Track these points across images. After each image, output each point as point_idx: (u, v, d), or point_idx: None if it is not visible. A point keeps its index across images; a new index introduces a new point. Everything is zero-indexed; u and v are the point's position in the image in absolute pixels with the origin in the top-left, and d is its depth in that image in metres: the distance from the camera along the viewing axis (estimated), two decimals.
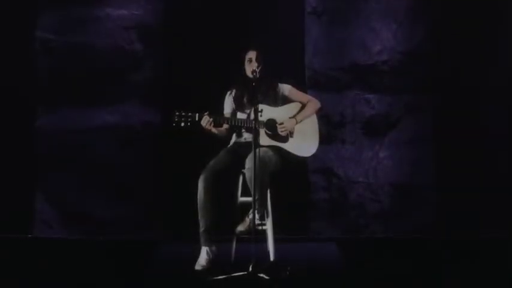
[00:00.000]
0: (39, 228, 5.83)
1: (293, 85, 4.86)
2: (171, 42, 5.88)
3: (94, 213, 5.79)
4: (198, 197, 4.57)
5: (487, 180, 5.79)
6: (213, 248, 4.57)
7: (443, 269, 4.95)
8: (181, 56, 5.84)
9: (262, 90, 4.68)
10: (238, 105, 4.78)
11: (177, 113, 4.54)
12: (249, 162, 4.46)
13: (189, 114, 4.54)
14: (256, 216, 4.37)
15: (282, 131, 4.66)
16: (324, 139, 5.36)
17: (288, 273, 4.38)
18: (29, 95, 5.86)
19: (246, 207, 4.55)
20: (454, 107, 5.87)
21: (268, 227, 4.56)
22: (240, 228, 4.56)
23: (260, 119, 4.56)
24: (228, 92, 4.87)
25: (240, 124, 4.67)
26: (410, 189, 5.87)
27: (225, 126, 4.76)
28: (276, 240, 4.60)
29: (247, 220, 4.49)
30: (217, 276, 4.33)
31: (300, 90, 4.92)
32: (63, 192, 5.82)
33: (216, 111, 4.73)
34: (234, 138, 4.82)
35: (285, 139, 4.71)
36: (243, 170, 4.59)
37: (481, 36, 5.86)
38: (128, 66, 5.88)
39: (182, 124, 4.53)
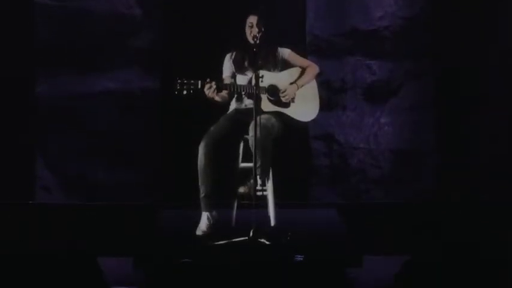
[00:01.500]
0: (40, 195, 5.84)
1: (293, 50, 4.83)
2: (170, 6, 5.83)
3: (94, 179, 5.79)
4: (199, 163, 4.56)
5: (488, 146, 5.79)
6: (214, 213, 4.58)
7: (443, 234, 4.98)
8: (181, 21, 5.79)
9: (263, 55, 4.65)
10: (238, 68, 4.75)
11: (179, 81, 4.48)
12: (251, 130, 4.44)
13: (192, 81, 4.48)
14: (258, 181, 4.38)
15: (284, 97, 4.64)
16: (325, 105, 5.35)
17: (288, 238, 4.40)
18: (29, 61, 5.83)
19: (247, 173, 4.55)
20: (455, 73, 5.84)
21: (269, 192, 4.57)
22: (241, 193, 4.57)
23: (261, 84, 4.54)
24: (228, 55, 4.83)
25: (241, 90, 4.64)
26: (411, 155, 5.87)
27: (227, 91, 4.73)
28: (276, 206, 4.61)
29: (249, 185, 4.49)
30: (218, 241, 4.35)
31: (301, 56, 4.90)
32: (63, 158, 5.82)
33: (217, 77, 4.70)
34: (234, 103, 4.79)
35: (286, 104, 4.70)
36: (246, 136, 4.58)
37: (483, 2, 5.81)
38: (127, 31, 5.84)
39: (184, 92, 4.48)
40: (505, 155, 5.77)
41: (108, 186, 5.80)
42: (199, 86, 4.48)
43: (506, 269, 4.35)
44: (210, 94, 4.48)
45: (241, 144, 4.68)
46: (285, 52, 4.80)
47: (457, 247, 4.68)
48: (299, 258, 4.24)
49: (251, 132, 4.44)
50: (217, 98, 4.58)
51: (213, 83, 4.48)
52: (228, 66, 4.80)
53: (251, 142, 4.44)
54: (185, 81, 4.47)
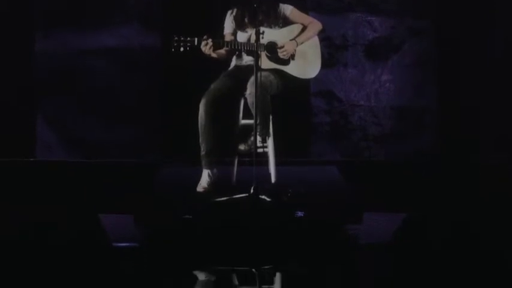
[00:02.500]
0: (40, 152, 5.85)
1: (294, 6, 4.78)
2: None
3: (94, 136, 5.80)
4: (199, 120, 4.56)
5: (489, 104, 5.77)
6: (214, 170, 4.59)
7: (442, 192, 4.99)
8: None
9: (264, 11, 4.61)
10: (239, 25, 4.71)
11: (175, 38, 4.46)
12: (250, 87, 4.43)
13: (188, 38, 4.47)
14: (258, 139, 4.38)
15: (283, 54, 4.61)
16: (326, 62, 5.32)
17: (289, 195, 4.41)
18: (28, 19, 5.79)
19: (248, 130, 4.55)
20: (457, 30, 5.81)
21: (270, 149, 4.57)
22: (241, 150, 4.57)
23: (261, 41, 4.50)
24: (229, 12, 4.78)
25: (240, 47, 4.61)
26: (411, 113, 5.87)
27: (225, 48, 4.70)
28: (277, 163, 4.62)
29: (249, 142, 4.50)
30: (219, 198, 4.37)
31: (302, 12, 4.85)
32: (63, 115, 5.82)
33: (217, 34, 4.66)
34: (234, 61, 4.77)
35: (286, 62, 4.66)
36: (244, 94, 4.57)
37: None
38: None
39: (181, 49, 4.47)
40: (505, 113, 5.76)
41: (108, 143, 5.80)
42: (196, 43, 4.46)
43: (505, 226, 4.38)
44: (206, 51, 4.47)
45: (242, 102, 4.66)
46: (287, 8, 4.75)
47: (456, 205, 4.70)
48: (299, 214, 4.26)
49: (249, 89, 4.44)
50: (214, 55, 4.56)
51: (210, 40, 4.46)
52: (229, 23, 4.76)
53: (250, 100, 4.43)
54: (182, 38, 4.46)
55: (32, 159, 5.80)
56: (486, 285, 3.69)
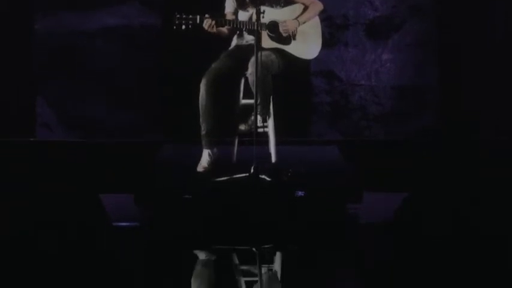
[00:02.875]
0: (40, 132, 5.84)
1: None
2: None
3: (94, 117, 5.79)
4: (200, 100, 4.55)
5: (491, 83, 5.76)
6: (215, 150, 4.59)
7: (444, 171, 4.99)
8: None
9: None
10: (240, 4, 4.69)
11: (177, 16, 4.45)
12: (251, 67, 4.42)
13: (190, 16, 4.45)
14: (258, 118, 4.38)
15: (284, 30, 4.59)
16: (327, 42, 5.31)
17: (289, 175, 4.42)
18: None
19: (248, 109, 4.54)
20: (458, 9, 5.78)
21: (270, 129, 4.57)
22: (242, 130, 4.57)
23: (262, 20, 4.49)
24: None
25: (241, 26, 4.59)
26: (412, 92, 5.86)
27: (227, 27, 4.68)
28: (277, 143, 4.61)
29: (249, 122, 4.50)
30: (219, 178, 4.37)
31: None
32: (63, 95, 5.81)
33: (218, 13, 4.64)
34: (235, 40, 4.75)
35: (287, 41, 4.65)
36: (245, 73, 4.56)
37: None
38: None
39: (183, 27, 4.45)
40: (506, 92, 5.75)
41: (108, 123, 5.80)
42: (198, 21, 4.44)
43: (505, 203, 4.38)
44: (208, 29, 4.45)
45: (243, 81, 4.65)
46: None
47: (456, 184, 4.71)
48: (300, 194, 4.27)
49: (250, 69, 4.43)
50: (216, 34, 4.54)
51: (212, 18, 4.44)
52: (230, 2, 4.74)
53: (251, 79, 4.42)
54: (184, 16, 4.44)
55: (32, 139, 5.80)
56: (487, 264, 3.70)
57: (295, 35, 4.64)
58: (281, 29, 4.59)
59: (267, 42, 4.58)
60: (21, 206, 4.43)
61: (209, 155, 4.58)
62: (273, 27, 4.60)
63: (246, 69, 4.51)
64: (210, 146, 4.58)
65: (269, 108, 4.54)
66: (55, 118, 5.81)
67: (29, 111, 5.83)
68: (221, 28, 4.59)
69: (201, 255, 3.99)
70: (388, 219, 4.24)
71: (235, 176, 4.31)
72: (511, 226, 4.16)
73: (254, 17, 4.46)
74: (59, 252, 3.83)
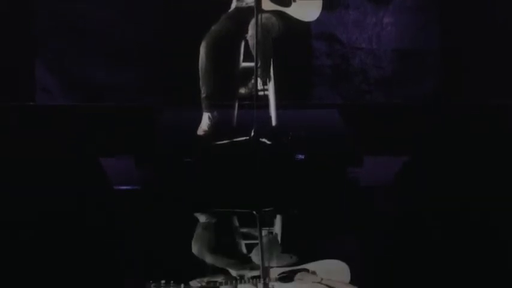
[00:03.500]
0: (40, 96, 5.82)
1: None
2: None
3: (94, 80, 5.76)
4: (199, 63, 4.53)
5: (493, 47, 5.73)
6: (215, 113, 4.58)
7: (445, 135, 4.99)
8: None
9: None
10: None
11: None
12: (251, 29, 4.38)
13: None
14: (259, 81, 4.36)
15: None
16: (328, 4, 5.25)
17: (289, 138, 4.41)
18: None
19: (248, 72, 4.52)
20: None
21: (270, 92, 4.56)
22: (242, 94, 4.56)
23: None
24: None
25: None
26: (413, 56, 5.82)
27: None
28: (277, 106, 4.60)
29: (250, 85, 4.48)
30: (219, 141, 4.37)
31: None
32: (62, 59, 5.78)
33: None
34: (235, 2, 4.71)
35: (287, 3, 4.61)
36: (245, 36, 4.53)
37: None
38: None
39: None
40: (508, 55, 5.72)
41: (108, 87, 5.78)
42: None
43: (505, 169, 4.39)
44: None
45: (243, 44, 4.62)
46: None
47: (457, 149, 4.71)
48: (300, 157, 4.27)
49: (250, 32, 4.40)
50: None
51: None
52: None
53: (251, 42, 4.39)
54: None
55: (31, 104, 5.78)
56: (487, 226, 3.71)
57: None
58: None
59: (267, 4, 4.54)
60: (21, 170, 4.44)
61: (209, 118, 4.57)
62: None
63: (246, 31, 4.48)
64: (210, 109, 4.57)
65: (269, 71, 4.52)
66: (55, 82, 5.79)
67: (28, 75, 5.80)
68: None
69: (202, 218, 4.01)
70: (388, 183, 4.25)
71: (235, 139, 4.31)
72: (510, 189, 4.17)
73: None
74: (59, 217, 3.85)
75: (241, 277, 3.21)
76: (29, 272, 3.21)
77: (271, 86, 4.55)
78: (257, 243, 3.62)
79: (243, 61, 4.64)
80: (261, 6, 4.39)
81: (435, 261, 3.34)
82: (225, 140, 4.35)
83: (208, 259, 3.49)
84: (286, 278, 3.21)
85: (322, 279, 3.21)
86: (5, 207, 3.94)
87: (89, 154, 4.55)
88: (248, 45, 4.51)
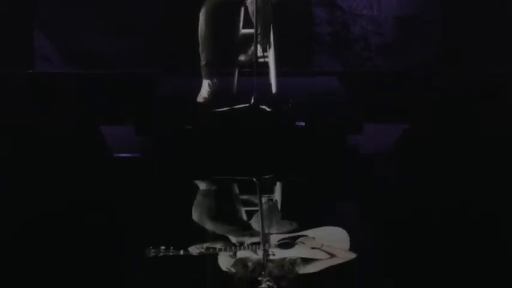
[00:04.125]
0: (39, 64, 5.80)
1: None
2: None
3: (94, 49, 5.74)
4: (199, 30, 4.50)
5: (495, 16, 5.69)
6: (215, 80, 4.57)
7: (444, 104, 4.98)
8: None
9: None
10: None
11: None
12: None
13: None
14: (259, 48, 4.34)
15: None
16: None
17: (289, 105, 4.41)
18: None
19: (248, 39, 4.50)
20: None
21: (270, 59, 4.54)
22: (242, 61, 4.54)
23: None
24: None
25: None
26: (414, 23, 5.79)
27: None
28: (278, 73, 4.59)
29: (250, 52, 4.47)
30: (219, 108, 4.37)
31: None
32: (62, 28, 5.75)
33: None
34: None
35: None
36: (245, 2, 4.50)
37: None
38: None
39: None
40: (508, 27, 5.69)
41: (108, 55, 5.75)
42: None
43: (504, 141, 4.39)
44: None
45: (242, 10, 4.59)
46: None
47: (457, 117, 4.70)
48: (300, 124, 4.27)
49: None
50: None
51: None
52: None
53: (251, 8, 4.37)
54: None
55: (30, 71, 5.76)
56: (486, 190, 3.72)
57: None
58: None
59: None
60: (21, 138, 4.44)
61: (209, 85, 4.56)
62: None
63: None
64: (210, 77, 4.56)
65: (269, 38, 4.50)
66: (54, 50, 5.77)
67: (27, 43, 5.77)
68: None
69: (202, 186, 4.02)
70: (388, 150, 4.25)
71: (235, 107, 4.31)
72: (510, 155, 4.18)
73: None
74: (59, 184, 3.86)
75: (241, 244, 3.22)
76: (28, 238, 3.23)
77: (271, 53, 4.53)
78: (257, 210, 3.63)
79: (243, 28, 4.62)
80: None
81: (435, 228, 3.36)
82: (225, 107, 4.35)
83: (208, 226, 3.51)
84: (286, 244, 3.23)
85: (322, 245, 3.22)
86: (4, 175, 3.95)
87: (89, 122, 4.55)
88: (248, 12, 4.48)
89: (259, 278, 2.94)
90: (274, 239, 3.27)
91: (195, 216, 3.57)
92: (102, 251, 3.13)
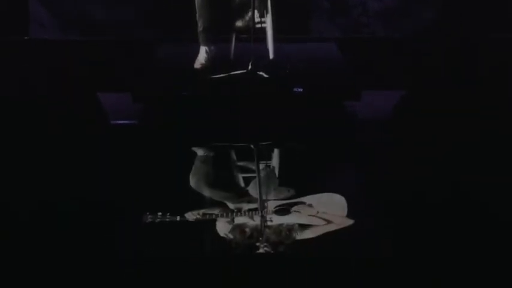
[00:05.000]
0: (34, 31, 5.76)
1: None
2: None
3: (90, 13, 5.70)
4: None
5: None
6: (212, 47, 4.55)
7: (443, 69, 4.97)
8: None
9: None
10: None
11: None
12: None
13: None
14: (256, 14, 4.31)
15: None
16: None
17: (287, 72, 4.39)
18: None
19: (245, 5, 4.46)
20: None
21: (268, 25, 4.50)
22: (239, 27, 4.51)
23: None
24: None
25: None
26: None
27: None
28: (275, 39, 4.56)
29: (247, 18, 4.43)
30: (217, 74, 4.35)
31: None
32: None
33: None
34: None
35: None
36: None
37: None
38: None
39: None
40: None
41: (105, 21, 5.71)
42: None
43: (504, 102, 4.38)
44: None
45: None
46: None
47: (456, 83, 4.69)
48: (298, 90, 4.26)
49: None
50: None
51: None
52: None
53: None
54: None
55: (26, 38, 5.73)
56: (484, 155, 3.73)
57: None
58: None
59: None
60: (16, 105, 4.43)
61: (206, 51, 4.54)
62: None
63: None
64: (207, 43, 4.53)
65: (266, 4, 4.46)
66: (49, 16, 5.72)
67: (22, 9, 5.73)
68: None
69: (199, 152, 4.01)
70: (386, 116, 4.24)
71: (232, 73, 4.29)
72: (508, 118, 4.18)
73: None
74: (57, 150, 3.86)
75: (239, 210, 3.23)
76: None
77: (268, 19, 4.49)
78: (255, 177, 3.63)
79: None
80: None
81: (432, 194, 3.37)
82: (223, 73, 4.33)
83: (206, 192, 3.51)
84: (283, 210, 3.23)
85: (318, 212, 3.23)
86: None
87: (86, 89, 4.53)
88: None
89: (257, 244, 2.95)
90: (271, 205, 3.28)
91: (192, 182, 3.58)
92: (100, 218, 3.13)
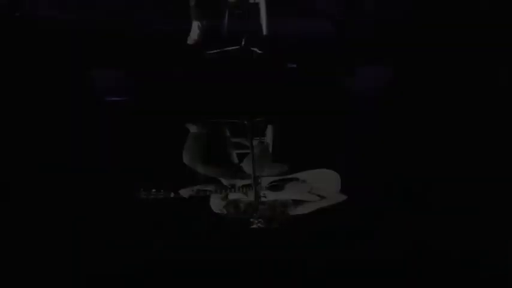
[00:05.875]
0: (26, 7, 5.72)
1: None
2: None
3: None
4: None
5: None
6: (205, 22, 4.52)
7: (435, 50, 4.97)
8: None
9: None
10: None
11: None
12: None
13: None
14: None
15: None
16: None
17: (280, 47, 4.38)
18: None
19: None
20: None
21: (261, 1, 4.48)
22: (232, 2, 4.48)
23: None
24: None
25: None
26: None
27: None
28: (268, 16, 4.54)
29: None
30: (210, 50, 4.34)
31: None
32: None
33: None
34: None
35: None
36: None
37: None
38: None
39: None
40: None
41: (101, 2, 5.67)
42: None
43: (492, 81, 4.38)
44: None
45: None
46: None
47: (447, 61, 4.68)
48: (292, 66, 4.25)
49: None
50: None
51: None
52: None
53: None
54: None
55: (17, 14, 5.68)
56: (477, 126, 3.74)
57: None
58: None
59: None
60: (10, 82, 4.42)
61: (199, 27, 4.51)
62: None
63: None
64: (199, 18, 4.50)
65: None
66: None
67: None
68: None
69: (193, 129, 4.01)
70: (379, 92, 4.24)
71: (226, 49, 4.27)
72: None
73: None
74: (49, 128, 3.85)
75: (233, 186, 3.23)
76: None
77: None
78: (248, 153, 3.63)
79: None
80: None
81: (426, 166, 3.38)
82: (216, 49, 4.31)
83: (200, 169, 3.51)
84: (276, 187, 3.24)
85: (312, 188, 3.24)
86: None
87: (80, 66, 4.51)
88: None
89: (251, 219, 2.96)
90: (265, 181, 3.28)
91: (186, 159, 3.57)
92: (93, 193, 3.14)
